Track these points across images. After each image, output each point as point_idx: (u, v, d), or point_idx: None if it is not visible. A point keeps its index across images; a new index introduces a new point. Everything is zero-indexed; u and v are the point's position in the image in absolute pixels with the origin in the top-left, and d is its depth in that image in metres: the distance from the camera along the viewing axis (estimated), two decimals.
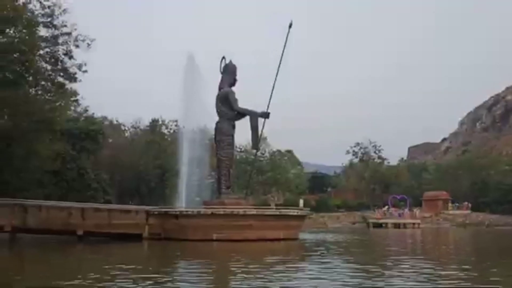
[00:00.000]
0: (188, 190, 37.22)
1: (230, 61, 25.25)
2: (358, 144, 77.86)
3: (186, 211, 21.44)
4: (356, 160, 79.82)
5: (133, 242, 19.77)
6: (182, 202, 35.40)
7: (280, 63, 24.35)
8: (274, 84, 24.34)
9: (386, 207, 62.04)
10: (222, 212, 20.68)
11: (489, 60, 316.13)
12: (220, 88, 24.86)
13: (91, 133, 45.10)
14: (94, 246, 18.81)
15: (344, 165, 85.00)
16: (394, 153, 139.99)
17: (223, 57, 25.36)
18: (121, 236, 20.87)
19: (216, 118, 24.85)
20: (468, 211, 67.21)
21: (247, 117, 24.46)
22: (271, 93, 24.37)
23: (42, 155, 30.09)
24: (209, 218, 20.71)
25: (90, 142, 45.08)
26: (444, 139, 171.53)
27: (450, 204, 69.25)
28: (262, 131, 24.12)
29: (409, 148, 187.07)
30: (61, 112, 31.21)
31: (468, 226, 58.46)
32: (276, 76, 24.42)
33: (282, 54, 24.28)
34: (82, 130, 44.27)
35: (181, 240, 20.23)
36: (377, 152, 77.51)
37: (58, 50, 26.73)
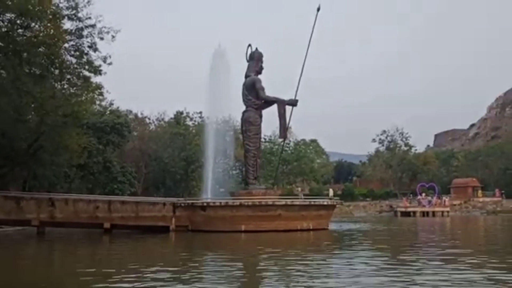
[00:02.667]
0: (213, 182, 37.10)
1: (256, 49, 24.74)
2: (384, 131, 76.21)
3: (214, 203, 21.11)
4: (382, 148, 78.22)
5: (161, 235, 19.57)
6: (207, 194, 35.28)
7: (308, 48, 23.71)
8: (302, 71, 23.74)
9: (412, 195, 60.90)
10: (250, 203, 20.30)
11: None
12: (246, 76, 24.39)
13: (117, 126, 45.16)
14: (121, 239, 18.67)
15: (370, 153, 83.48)
16: (420, 141, 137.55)
17: (249, 45, 24.86)
18: (148, 228, 20.74)
19: (242, 107, 24.42)
20: (499, 198, 65.28)
21: (274, 106, 23.99)
22: (299, 80, 23.80)
23: (70, 149, 30.11)
24: (237, 209, 20.35)
25: (115, 136, 45.17)
26: (472, 125, 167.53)
27: (480, 191, 67.40)
28: (290, 119, 23.50)
29: (435, 135, 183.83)
30: (87, 105, 31.13)
31: (499, 214, 56.81)
32: (304, 62, 23.81)
33: (310, 39, 23.64)
34: (108, 123, 44.38)
35: (208, 232, 19.98)
36: (404, 139, 75.73)
37: (83, 43, 26.50)
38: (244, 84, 24.44)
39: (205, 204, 21.01)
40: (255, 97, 23.80)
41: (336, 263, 9.95)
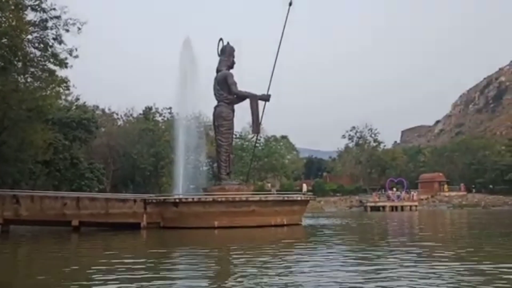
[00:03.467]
0: (184, 178, 36.67)
1: (228, 43, 24.35)
2: (354, 128, 77.28)
3: (186, 199, 20.67)
4: (352, 144, 79.22)
5: (131, 232, 19.02)
6: (179, 190, 34.79)
7: (280, 44, 23.51)
8: (274, 66, 23.56)
9: (383, 190, 61.83)
10: (224, 199, 19.96)
11: (481, 41, 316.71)
12: (218, 71, 23.98)
13: (83, 122, 43.91)
14: (90, 236, 18.04)
15: (339, 149, 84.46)
16: (387, 137, 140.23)
17: (221, 39, 24.46)
18: (119, 225, 20.14)
19: (214, 103, 24.02)
20: (464, 192, 67.14)
21: (246, 101, 23.70)
22: (272, 75, 23.59)
23: (35, 145, 28.99)
24: (210, 205, 19.99)
25: (82, 131, 43.93)
26: (437, 122, 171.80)
27: (446, 186, 69.14)
28: (262, 114, 23.25)
29: (402, 132, 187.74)
30: (52, 100, 30.06)
31: (465, 207, 58.35)
32: (276, 57, 23.62)
33: (282, 34, 23.43)
34: (74, 119, 43.10)
35: (181, 229, 19.57)
36: (373, 135, 76.98)
37: (48, 35, 25.51)
38: (215, 79, 24.03)
39: (177, 200, 20.55)
40: (227, 92, 23.45)
41: (311, 258, 9.74)
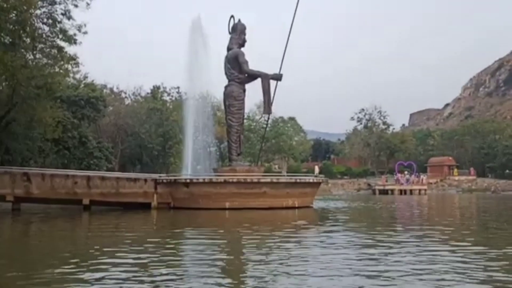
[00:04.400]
0: (191, 159, 36.61)
1: (239, 20, 23.78)
2: (363, 110, 76.40)
3: (197, 179, 20.43)
4: (360, 127, 78.49)
5: (142, 212, 18.86)
6: (188, 171, 34.68)
7: (292, 25, 22.95)
8: (286, 46, 23.02)
9: (393, 174, 61.39)
10: (235, 180, 19.69)
11: (493, 24, 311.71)
12: (228, 49, 23.48)
13: (92, 100, 43.66)
14: (100, 215, 17.90)
15: (348, 131, 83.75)
16: (395, 120, 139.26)
17: (232, 16, 23.90)
18: (129, 205, 20.00)
19: (221, 83, 23.59)
20: (474, 177, 66.58)
21: (257, 80, 23.22)
22: (283, 54, 23.06)
23: (44, 123, 28.76)
24: (221, 186, 19.74)
25: (90, 110, 43.73)
26: (446, 105, 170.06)
27: (456, 170, 68.54)
28: (274, 94, 22.78)
29: (410, 115, 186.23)
30: (61, 77, 29.73)
31: (474, 192, 57.91)
32: (288, 37, 23.06)
33: (294, 16, 22.85)
34: (83, 97, 42.85)
35: (191, 209, 19.38)
36: (382, 118, 76.13)
37: (56, 10, 25.09)
38: (226, 57, 23.54)
39: (188, 180, 20.29)
40: (238, 71, 22.97)
41: (325, 242, 9.41)
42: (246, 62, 22.87)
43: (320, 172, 45.77)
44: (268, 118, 27.16)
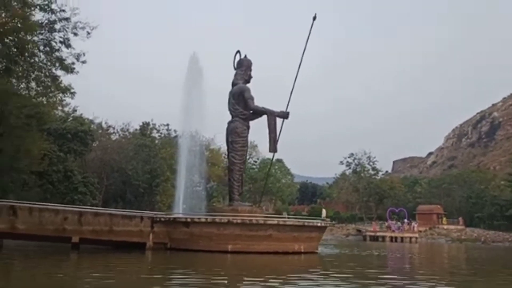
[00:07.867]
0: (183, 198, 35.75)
1: (245, 56, 23.14)
2: (352, 154, 76.03)
3: (199, 218, 19.00)
4: (349, 171, 77.84)
5: (136, 252, 17.27)
6: (179, 210, 33.41)
7: (301, 59, 22.30)
8: (294, 81, 22.27)
9: (384, 220, 60.42)
10: (239, 221, 18.33)
11: (475, 76, 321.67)
12: (234, 84, 22.67)
13: (80, 134, 42.29)
14: (90, 255, 16.27)
15: (336, 175, 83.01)
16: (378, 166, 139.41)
17: (238, 51, 23.24)
18: (123, 244, 18.42)
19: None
20: (463, 226, 65.85)
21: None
22: (291, 92, 22.26)
23: (32, 154, 27.13)
24: (224, 227, 18.34)
25: (78, 144, 42.29)
26: (430, 154, 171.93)
27: (444, 219, 67.78)
28: (280, 132, 21.80)
29: (394, 162, 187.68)
30: (53, 107, 28.45)
31: (463, 242, 56.97)
32: (297, 73, 22.34)
33: (304, 50, 22.24)
34: (70, 130, 41.46)
35: (190, 251, 17.91)
36: (371, 163, 75.73)
37: (54, 38, 24.09)
38: (231, 93, 22.71)
39: (189, 219, 18.86)
40: (243, 107, 22.10)
41: None
42: (252, 98, 22.04)
43: (327, 216, 44.40)
44: (273, 157, 25.83)
